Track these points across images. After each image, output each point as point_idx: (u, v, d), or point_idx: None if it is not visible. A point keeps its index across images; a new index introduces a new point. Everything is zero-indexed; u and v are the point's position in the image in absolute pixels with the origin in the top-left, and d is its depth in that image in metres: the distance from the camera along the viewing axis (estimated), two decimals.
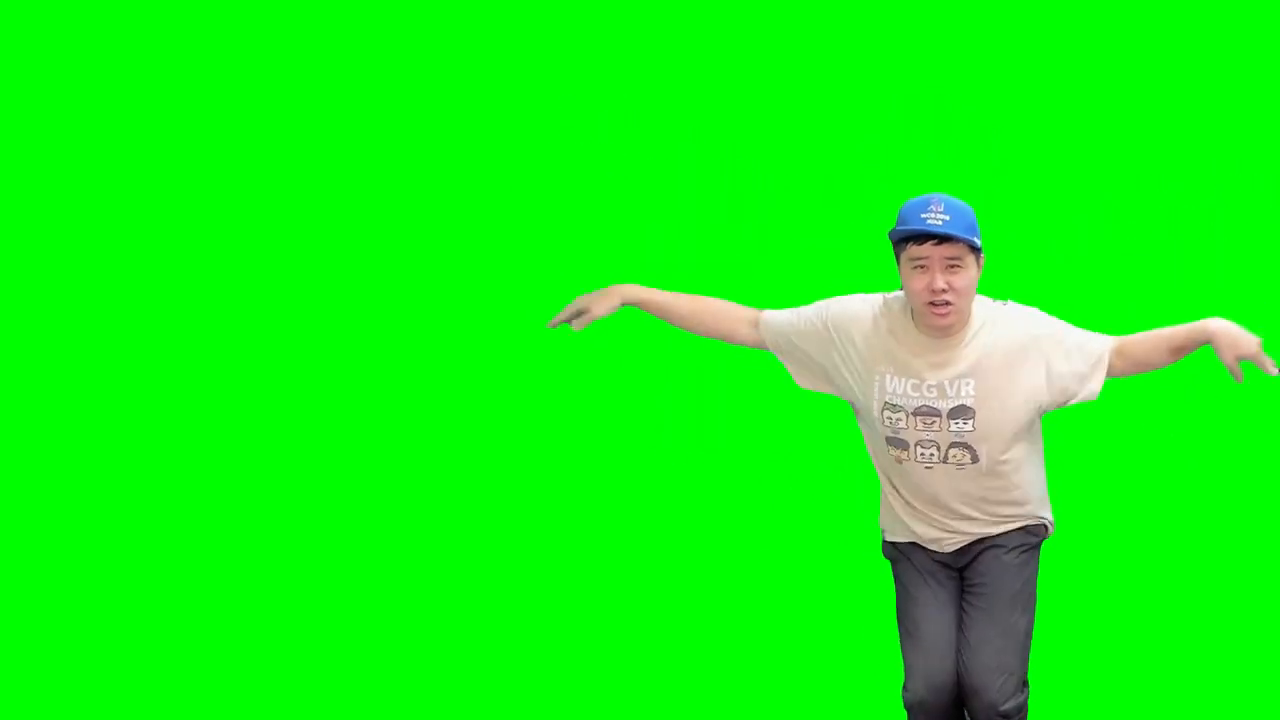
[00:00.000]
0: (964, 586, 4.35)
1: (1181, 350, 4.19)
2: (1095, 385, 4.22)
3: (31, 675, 5.13)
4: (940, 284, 4.10)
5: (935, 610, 4.33)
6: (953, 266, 4.11)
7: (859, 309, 4.32)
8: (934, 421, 4.21)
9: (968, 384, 4.19)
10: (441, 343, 6.49)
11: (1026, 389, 4.19)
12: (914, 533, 4.36)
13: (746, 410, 6.44)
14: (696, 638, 5.52)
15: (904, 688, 4.33)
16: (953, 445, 4.22)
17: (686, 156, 6.56)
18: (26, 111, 6.52)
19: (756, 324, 4.40)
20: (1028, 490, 4.34)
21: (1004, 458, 4.25)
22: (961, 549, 4.35)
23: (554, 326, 4.43)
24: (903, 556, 4.39)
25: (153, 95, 6.54)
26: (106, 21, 6.51)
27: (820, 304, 4.38)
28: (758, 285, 6.08)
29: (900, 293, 4.29)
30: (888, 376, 4.24)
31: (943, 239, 4.09)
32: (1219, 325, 4.09)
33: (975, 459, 4.23)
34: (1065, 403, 4.24)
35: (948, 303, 4.12)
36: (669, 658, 5.37)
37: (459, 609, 5.64)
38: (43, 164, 6.53)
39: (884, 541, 4.46)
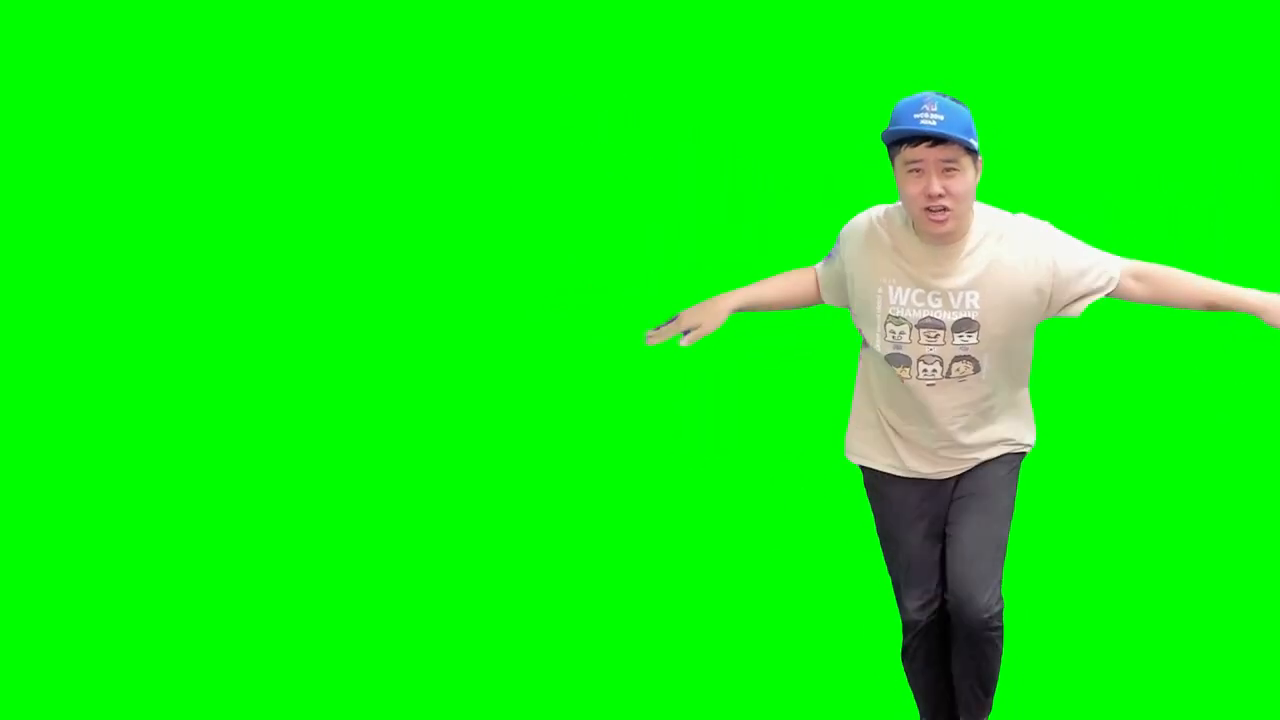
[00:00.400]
0: (953, 497, 4.28)
1: (1216, 308, 4.07)
2: (1096, 287, 4.10)
3: (31, 675, 5.10)
4: (936, 188, 3.92)
5: (919, 543, 4.29)
6: (949, 170, 3.92)
7: (859, 223, 4.17)
8: (938, 335, 4.09)
9: (972, 296, 4.06)
10: (441, 340, 6.52)
11: (1029, 302, 4.07)
12: (906, 464, 4.27)
13: (746, 406, 6.45)
14: (697, 631, 5.49)
15: (899, 605, 4.34)
16: (956, 359, 4.10)
17: (687, 152, 6.58)
18: (27, 111, 6.51)
19: (817, 283, 4.31)
20: (1017, 409, 4.27)
21: (1002, 364, 4.14)
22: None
23: (655, 343, 4.25)
24: (884, 488, 4.33)
25: (153, 95, 6.55)
26: (106, 21, 6.51)
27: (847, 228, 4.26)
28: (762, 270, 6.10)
29: (900, 203, 4.14)
30: (890, 287, 4.10)
31: (937, 140, 3.89)
32: (1265, 301, 3.98)
33: (978, 369, 4.11)
34: (1067, 315, 4.14)
35: (945, 208, 3.94)
36: (668, 655, 5.34)
37: (459, 605, 5.61)
38: (43, 164, 6.54)
39: (863, 470, 4.37)
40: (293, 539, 5.89)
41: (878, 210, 4.17)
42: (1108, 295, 4.15)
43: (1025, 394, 4.30)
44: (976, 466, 4.26)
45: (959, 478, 4.28)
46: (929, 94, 3.98)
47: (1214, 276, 4.11)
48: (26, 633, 5.31)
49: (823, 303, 4.34)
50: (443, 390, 6.50)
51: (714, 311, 4.22)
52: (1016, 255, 4.05)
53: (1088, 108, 6.46)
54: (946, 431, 4.20)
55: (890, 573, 4.36)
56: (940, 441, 4.22)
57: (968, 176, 3.95)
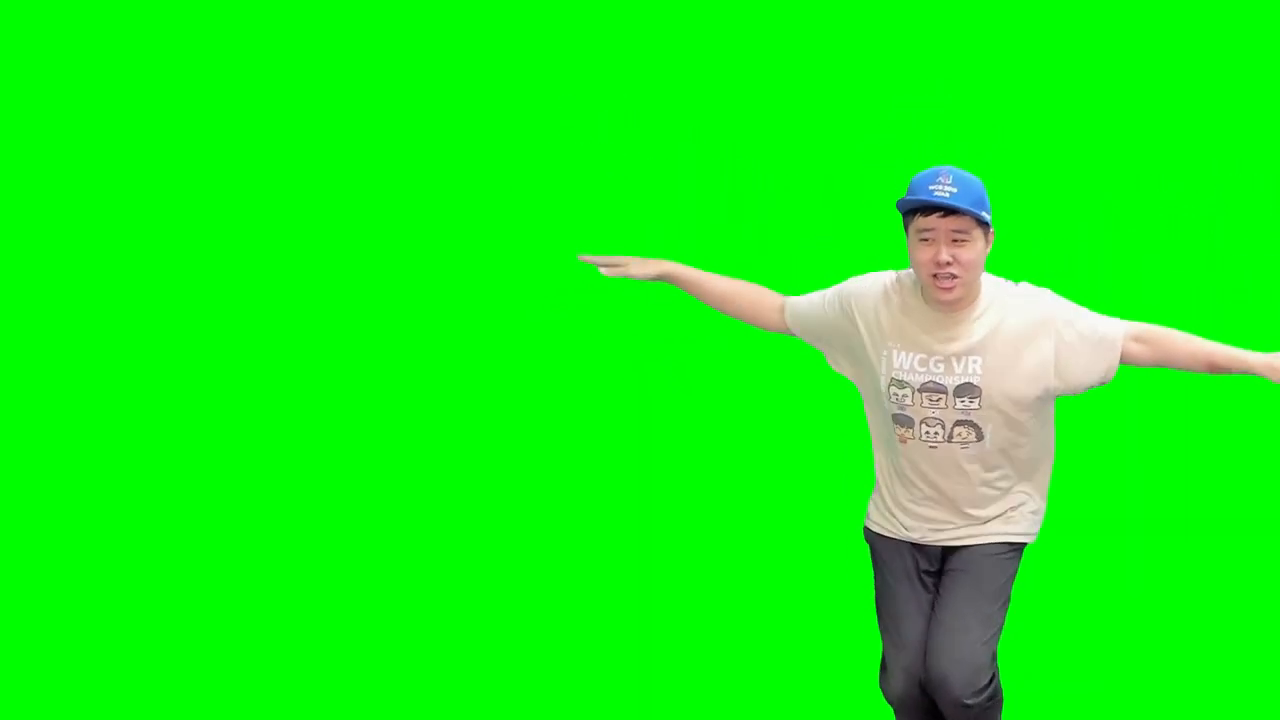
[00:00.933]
0: (943, 571, 4.32)
1: (1218, 369, 4.16)
2: (1103, 369, 4.17)
3: (31, 675, 5.12)
4: (945, 256, 4.08)
5: (915, 609, 4.30)
6: (959, 240, 4.08)
7: (872, 285, 4.29)
8: (940, 398, 4.18)
9: (974, 361, 4.16)
10: (440, 335, 6.49)
11: (1033, 368, 4.15)
12: (904, 526, 4.32)
13: (746, 402, 6.43)
14: (699, 630, 5.51)
15: (883, 681, 4.34)
16: (958, 423, 4.19)
17: (693, 144, 6.56)
18: (27, 112, 6.52)
19: (783, 310, 4.43)
20: (1029, 482, 4.31)
21: (1009, 438, 4.21)
22: (945, 550, 4.31)
23: (584, 261, 4.55)
24: (885, 554, 4.36)
25: (153, 95, 6.55)
26: (106, 22, 6.52)
27: (841, 284, 4.36)
28: (765, 269, 6.07)
29: (911, 270, 4.25)
30: (895, 351, 4.20)
31: (949, 211, 4.07)
32: (1268, 362, 4.06)
33: (980, 436, 4.20)
34: (1076, 387, 4.20)
35: (953, 275, 4.09)
36: (668, 656, 5.35)
37: (459, 604, 5.63)
38: (42, 164, 6.54)
39: (868, 531, 4.41)
40: (292, 538, 5.89)
41: (890, 275, 4.29)
42: None
43: (1036, 488, 4.34)
44: (972, 545, 4.30)
45: (952, 551, 4.31)
46: (945, 168, 4.15)
47: (1213, 324, 4.17)
48: (26, 633, 5.32)
49: (771, 329, 4.47)
50: (442, 391, 6.47)
51: (647, 263, 4.48)
52: (1019, 320, 4.16)
53: (1085, 126, 6.43)
54: (945, 494, 4.27)
55: (883, 639, 4.38)
56: (935, 505, 4.28)
57: (977, 247, 4.11)
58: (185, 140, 6.58)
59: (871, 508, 4.41)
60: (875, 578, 4.40)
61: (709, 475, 6.26)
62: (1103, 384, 4.19)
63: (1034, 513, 4.33)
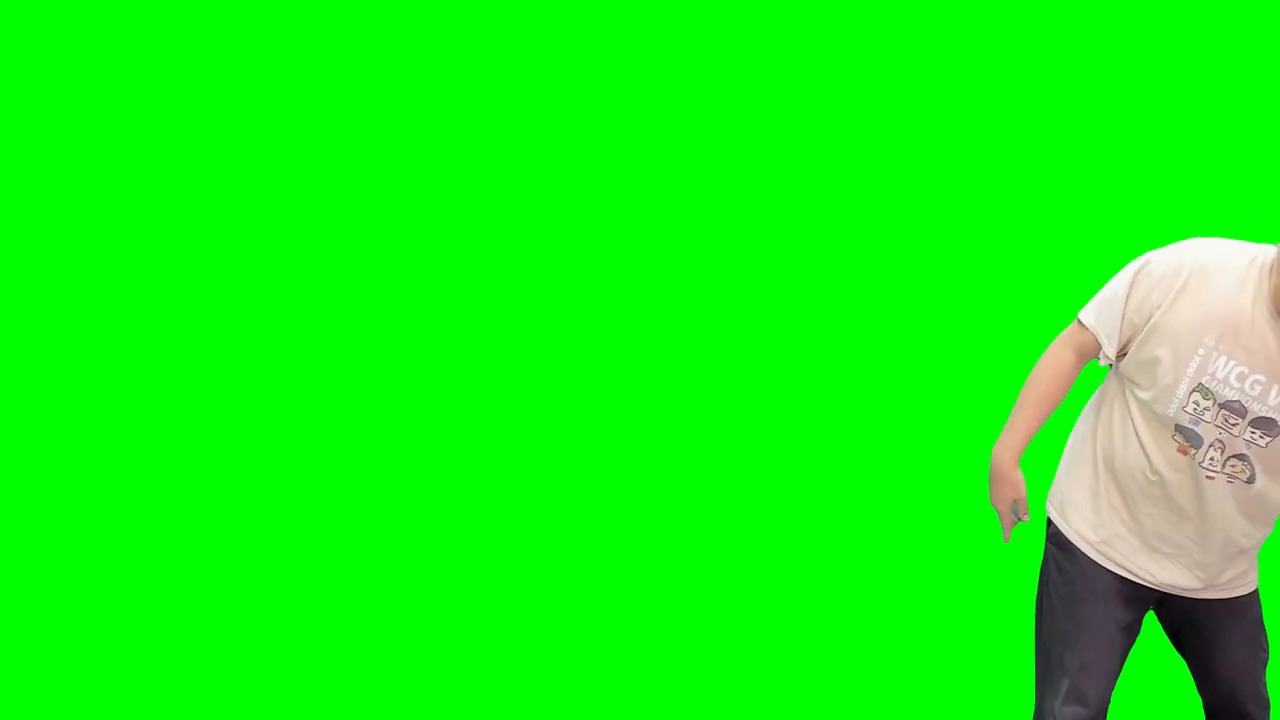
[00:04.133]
0: (1173, 622, 3.84)
1: None
2: None
3: (30, 675, 5.14)
4: None
5: (1107, 627, 3.77)
6: None
7: (1225, 258, 3.58)
8: (1236, 423, 3.60)
9: None
10: (440, 341, 6.51)
11: None
12: (1143, 570, 3.75)
13: (745, 403, 6.45)
14: (699, 633, 5.53)
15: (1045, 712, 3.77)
16: (1236, 456, 3.62)
17: (691, 155, 6.57)
18: (27, 111, 6.54)
19: (1088, 355, 3.74)
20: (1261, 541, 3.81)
21: (1274, 490, 3.66)
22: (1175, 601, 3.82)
23: (1010, 537, 3.85)
24: (1087, 581, 3.77)
25: (153, 95, 6.57)
26: (106, 22, 6.53)
27: (1180, 251, 3.65)
28: (763, 269, 6.09)
29: (1276, 257, 3.58)
30: (1215, 354, 3.57)
31: None
32: None
33: (1251, 479, 3.62)
34: None
35: None
36: (666, 658, 5.38)
37: (458, 605, 5.65)
38: (43, 164, 6.55)
39: (1067, 543, 3.80)
40: (292, 538, 5.90)
41: (1249, 253, 3.60)
42: None
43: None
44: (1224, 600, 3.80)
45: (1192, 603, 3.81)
46: None
47: None
48: (26, 633, 5.34)
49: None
50: (442, 392, 6.49)
51: (1010, 481, 3.74)
52: None
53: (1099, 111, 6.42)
54: (1209, 534, 3.71)
55: (1043, 666, 3.80)
56: (1191, 545, 3.73)
57: None
58: (185, 140, 6.59)
59: (1078, 519, 3.80)
60: (1061, 608, 3.80)
61: (709, 476, 6.28)
62: None
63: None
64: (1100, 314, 3.67)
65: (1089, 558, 3.72)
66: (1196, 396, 3.55)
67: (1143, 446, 3.67)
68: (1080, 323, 3.71)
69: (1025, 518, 3.75)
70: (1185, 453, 3.61)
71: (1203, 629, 3.82)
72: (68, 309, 6.52)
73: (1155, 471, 3.66)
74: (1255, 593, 3.81)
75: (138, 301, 6.56)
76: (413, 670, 5.20)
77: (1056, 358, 3.71)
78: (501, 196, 6.65)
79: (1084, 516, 3.76)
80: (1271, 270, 3.49)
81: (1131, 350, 3.63)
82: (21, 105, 6.56)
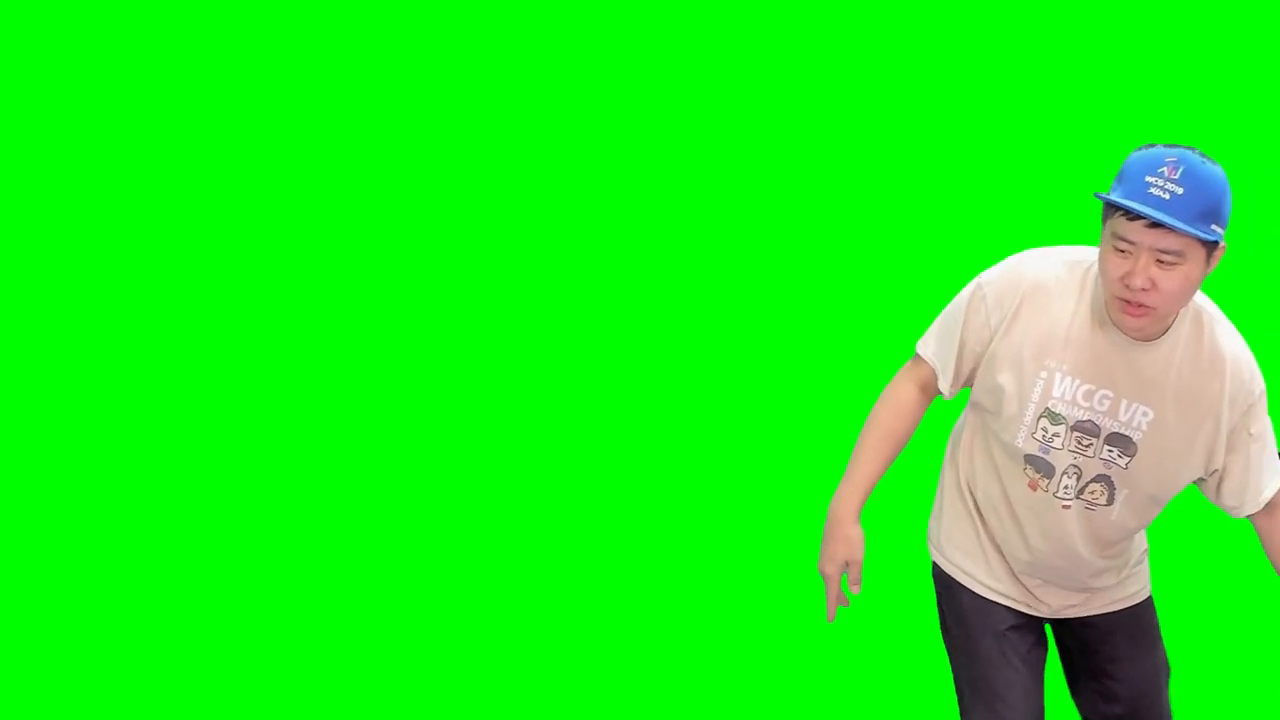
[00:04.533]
0: (1066, 641, 3.64)
1: None
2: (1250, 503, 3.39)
3: (30, 676, 5.13)
4: (1140, 281, 3.11)
5: (1023, 687, 3.51)
6: (1165, 262, 3.09)
7: (1057, 272, 3.31)
8: (1090, 444, 3.33)
9: (1146, 414, 3.30)
10: (440, 343, 6.50)
11: (1207, 437, 3.34)
12: (997, 584, 3.55)
13: (747, 404, 6.45)
14: (698, 638, 5.51)
15: None
16: (1094, 479, 3.36)
17: (687, 154, 6.56)
18: (26, 111, 6.52)
19: (931, 389, 3.47)
20: (1143, 555, 3.63)
21: (1136, 517, 3.42)
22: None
23: (834, 618, 3.50)
24: (978, 617, 3.55)
25: (153, 95, 6.55)
26: (106, 21, 6.52)
27: (998, 275, 3.36)
28: (761, 269, 6.08)
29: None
30: (1058, 374, 3.30)
31: (1159, 223, 3.05)
32: None
33: (1110, 500, 3.37)
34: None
35: (1143, 305, 3.15)
36: (663, 661, 5.37)
37: (457, 605, 5.64)
38: (43, 164, 6.54)
39: (955, 585, 3.58)
40: (291, 539, 5.90)
41: (1080, 261, 3.32)
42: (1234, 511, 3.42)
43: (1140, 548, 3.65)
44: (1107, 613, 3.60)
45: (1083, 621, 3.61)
46: (1177, 151, 3.13)
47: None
48: (26, 633, 5.33)
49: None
50: (441, 394, 6.49)
51: (846, 538, 3.41)
52: (1209, 368, 3.30)
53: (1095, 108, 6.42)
54: (1074, 562, 3.48)
55: (964, 710, 3.57)
56: (1063, 569, 3.51)
57: (1190, 273, 3.11)
58: (184, 140, 6.59)
59: (957, 553, 3.57)
60: (961, 648, 3.57)
61: (710, 477, 6.28)
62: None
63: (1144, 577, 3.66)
64: (938, 344, 3.43)
65: (975, 594, 3.53)
66: (1044, 422, 3.31)
67: (1000, 479, 3.46)
68: (919, 355, 3.46)
69: (856, 589, 3.40)
70: (1035, 488, 3.38)
71: (1098, 648, 3.62)
72: (66, 308, 6.51)
73: (1009, 505, 3.46)
74: (1150, 602, 3.63)
75: (131, 299, 6.55)
76: (411, 670, 5.19)
77: (897, 395, 3.45)
78: (498, 196, 6.64)
79: (964, 551, 3.56)
80: (1097, 279, 3.25)
81: (977, 379, 3.39)
82: (21, 105, 6.55)
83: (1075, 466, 3.33)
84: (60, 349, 6.46)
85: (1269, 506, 3.37)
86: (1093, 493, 3.36)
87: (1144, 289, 3.11)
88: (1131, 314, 3.16)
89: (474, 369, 6.51)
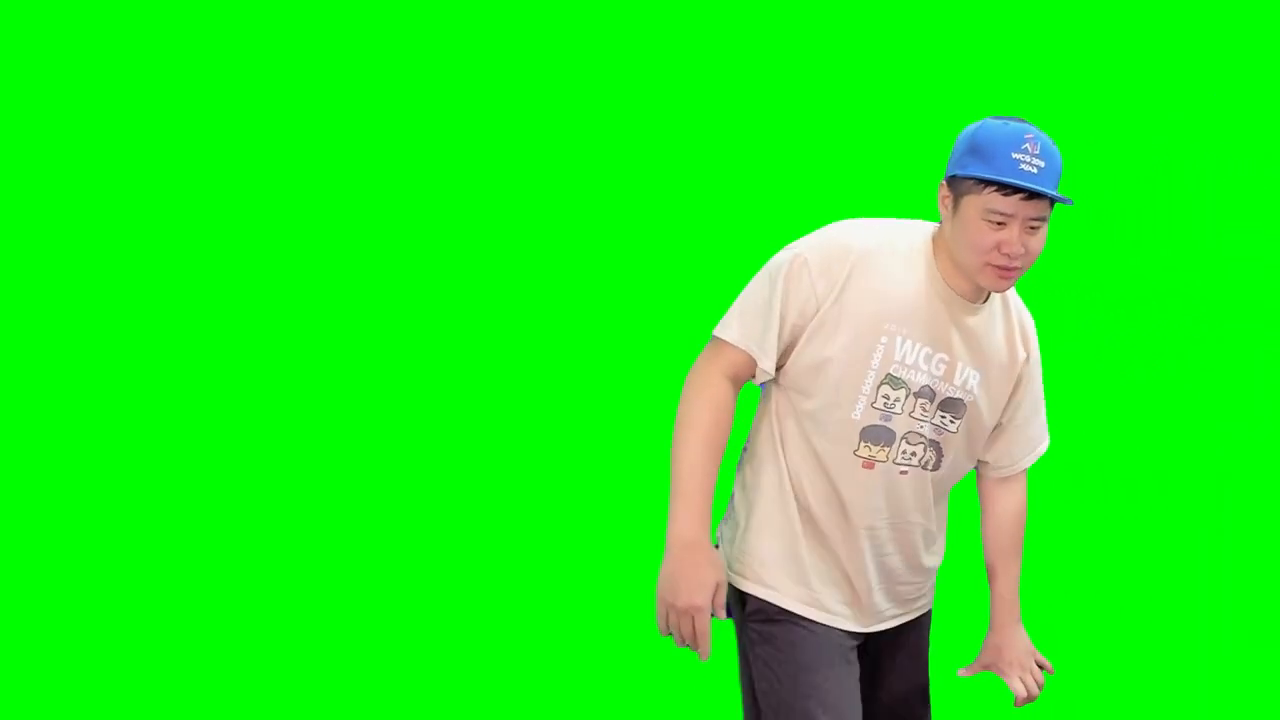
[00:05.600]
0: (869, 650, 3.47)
1: (991, 574, 3.55)
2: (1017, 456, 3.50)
3: (30, 676, 5.13)
4: (1017, 247, 3.20)
5: (850, 685, 3.31)
6: (1034, 226, 3.20)
7: (886, 239, 3.29)
8: (927, 409, 3.30)
9: (974, 376, 3.34)
10: (439, 345, 6.50)
11: (1007, 384, 3.44)
12: (820, 601, 3.31)
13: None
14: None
15: None
16: (927, 443, 3.33)
17: (688, 157, 6.57)
18: (26, 111, 6.53)
19: (755, 368, 3.29)
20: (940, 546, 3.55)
21: (955, 473, 3.41)
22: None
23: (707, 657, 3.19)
24: (801, 635, 3.29)
25: (150, 94, 6.56)
26: (106, 21, 6.53)
27: (835, 237, 3.28)
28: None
29: (931, 226, 3.36)
30: (898, 339, 3.26)
31: (1035, 194, 3.18)
32: (999, 631, 3.52)
33: (938, 465, 3.34)
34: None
35: (1015, 268, 3.23)
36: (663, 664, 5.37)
37: (456, 606, 5.64)
38: (41, 164, 6.54)
39: (769, 608, 3.30)
40: (291, 539, 5.90)
41: (906, 232, 3.34)
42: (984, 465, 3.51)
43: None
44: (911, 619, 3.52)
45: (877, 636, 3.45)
46: (1026, 127, 3.26)
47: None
48: (26, 633, 5.33)
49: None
50: (440, 392, 6.48)
51: (712, 562, 3.14)
52: (1011, 320, 3.44)
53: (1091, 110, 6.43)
54: (910, 544, 3.39)
55: None
56: (894, 564, 3.38)
57: (1045, 232, 3.25)
58: (184, 140, 6.59)
59: (764, 570, 3.31)
60: (766, 667, 3.29)
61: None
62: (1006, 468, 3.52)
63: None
64: (747, 326, 3.26)
65: (808, 618, 3.29)
66: (886, 389, 3.23)
67: (826, 472, 3.27)
68: (721, 340, 3.27)
69: (722, 614, 3.13)
70: (872, 465, 3.26)
71: (878, 656, 3.48)
72: (64, 307, 6.51)
73: (838, 493, 3.28)
74: (929, 614, 3.55)
75: (129, 298, 6.55)
76: (410, 670, 5.19)
77: (712, 391, 3.21)
78: (495, 196, 6.65)
79: (787, 571, 3.30)
80: (936, 249, 3.28)
81: (793, 357, 3.25)
82: (21, 105, 6.56)
83: (916, 433, 3.26)
84: (59, 348, 6.46)
85: (1011, 477, 3.52)
86: (925, 459, 3.31)
87: (1022, 253, 3.19)
88: (1005, 277, 3.22)
89: (474, 369, 6.52)
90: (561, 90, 6.64)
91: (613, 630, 5.46)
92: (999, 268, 3.19)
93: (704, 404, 3.20)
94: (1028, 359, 3.40)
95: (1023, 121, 3.25)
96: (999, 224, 3.17)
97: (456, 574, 5.76)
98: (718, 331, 3.28)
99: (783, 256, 3.26)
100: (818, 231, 3.31)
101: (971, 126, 3.30)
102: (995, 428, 3.41)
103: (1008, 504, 3.52)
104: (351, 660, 5.26)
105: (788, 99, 6.60)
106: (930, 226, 3.34)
